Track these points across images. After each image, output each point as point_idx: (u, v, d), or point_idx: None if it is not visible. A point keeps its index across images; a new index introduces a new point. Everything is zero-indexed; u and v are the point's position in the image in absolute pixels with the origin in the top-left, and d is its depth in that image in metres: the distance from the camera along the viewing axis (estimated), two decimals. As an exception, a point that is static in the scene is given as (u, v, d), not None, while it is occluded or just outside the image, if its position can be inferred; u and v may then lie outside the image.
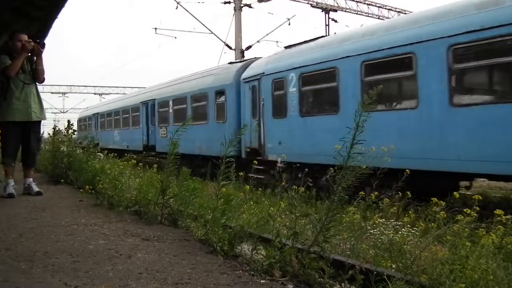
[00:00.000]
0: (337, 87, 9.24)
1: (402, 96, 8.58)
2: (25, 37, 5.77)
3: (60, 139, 8.19)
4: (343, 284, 2.48)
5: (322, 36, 11.87)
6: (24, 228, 3.80)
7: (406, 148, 7.48)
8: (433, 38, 7.33)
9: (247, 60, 14.14)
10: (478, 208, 3.83)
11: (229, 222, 3.33)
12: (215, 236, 3.19)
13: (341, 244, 3.28)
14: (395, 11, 27.36)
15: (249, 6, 21.75)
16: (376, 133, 6.91)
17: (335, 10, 25.62)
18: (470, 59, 7.14)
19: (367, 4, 27.27)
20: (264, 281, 2.55)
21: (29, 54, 5.81)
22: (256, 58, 13.67)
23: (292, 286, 2.51)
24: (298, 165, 10.17)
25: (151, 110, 19.63)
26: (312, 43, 10.88)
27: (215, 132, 13.56)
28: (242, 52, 21.14)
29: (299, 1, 24.54)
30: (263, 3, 21.72)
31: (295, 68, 10.55)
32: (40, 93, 6.27)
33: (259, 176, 10.77)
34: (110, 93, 54.65)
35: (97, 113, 30.08)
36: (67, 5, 7.19)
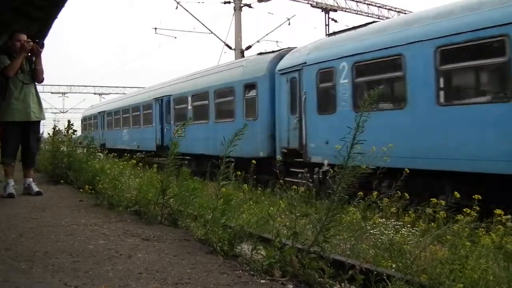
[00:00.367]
0: (403, 78, 8.00)
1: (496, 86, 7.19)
2: (24, 37, 5.76)
3: (60, 139, 8.19)
4: (343, 284, 2.48)
5: (373, 22, 10.57)
6: (24, 228, 3.80)
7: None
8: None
9: (280, 50, 12.68)
10: (478, 208, 3.84)
11: (229, 222, 3.33)
12: (215, 236, 3.19)
13: (341, 244, 3.28)
14: (395, 11, 27.37)
15: (249, 6, 21.77)
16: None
17: (335, 10, 25.65)
18: None
19: (367, 4, 27.28)
20: (264, 281, 2.55)
21: (28, 54, 5.81)
22: (290, 48, 12.30)
23: (292, 286, 2.51)
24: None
25: (166, 107, 17.99)
26: (363, 29, 9.53)
27: (244, 131, 12.45)
28: (242, 52, 21.14)
29: (299, 1, 24.57)
30: (263, 3, 21.75)
31: (347, 57, 9.18)
32: (40, 93, 6.27)
33: (298, 181, 9.75)
34: (110, 93, 54.68)
35: (103, 112, 28.18)
36: (67, 5, 7.20)
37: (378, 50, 8.49)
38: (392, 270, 2.68)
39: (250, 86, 12.60)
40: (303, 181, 9.30)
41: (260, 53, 13.27)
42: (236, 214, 3.71)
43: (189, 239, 3.52)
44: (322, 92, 9.96)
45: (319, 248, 2.65)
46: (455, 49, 7.12)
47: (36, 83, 6.04)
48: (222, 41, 22.16)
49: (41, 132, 7.04)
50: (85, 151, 7.54)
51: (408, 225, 4.10)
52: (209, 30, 22.78)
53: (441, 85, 7.52)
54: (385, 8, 27.67)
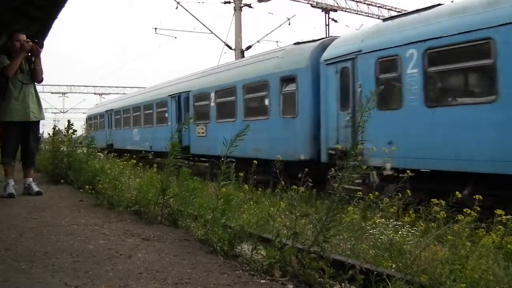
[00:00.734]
0: (493, 66, 6.80)
1: None
2: (23, 37, 5.76)
3: (60, 139, 8.18)
4: (343, 284, 2.48)
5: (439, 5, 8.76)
6: (24, 228, 3.80)
7: None
8: None
9: (322, 38, 11.31)
10: (478, 208, 3.83)
11: (229, 222, 3.33)
12: (215, 236, 3.19)
13: (341, 244, 3.28)
14: (395, 11, 27.35)
15: (249, 6, 21.78)
16: None
17: (335, 10, 25.67)
18: None
19: (367, 4, 27.30)
20: (264, 281, 2.55)
21: (28, 54, 5.81)
22: (334, 37, 11.01)
23: (292, 286, 2.51)
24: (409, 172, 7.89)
25: (185, 104, 16.35)
26: (434, 10, 8.17)
27: (280, 130, 11.05)
28: (242, 52, 21.14)
29: (299, 1, 24.59)
30: (263, 3, 21.76)
31: (417, 42, 7.93)
32: (40, 93, 6.28)
33: (350, 187, 9.00)
34: (110, 93, 54.74)
35: (111, 110, 26.10)
36: (67, 5, 7.20)
37: (457, 34, 7.24)
38: (392, 270, 2.68)
39: (288, 79, 11.14)
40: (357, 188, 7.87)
41: (298, 43, 11.80)
42: (236, 214, 3.71)
43: (189, 239, 3.52)
44: (383, 84, 8.65)
45: (319, 248, 2.65)
46: None
47: (36, 83, 6.04)
48: (222, 41, 22.19)
49: (41, 132, 7.04)
50: (84, 151, 7.54)
51: (408, 225, 4.09)
52: (209, 30, 22.81)
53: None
54: (385, 8, 27.69)
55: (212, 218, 3.36)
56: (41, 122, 6.28)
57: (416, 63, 7.86)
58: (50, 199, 5.56)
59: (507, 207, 4.52)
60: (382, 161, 7.96)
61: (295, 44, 11.91)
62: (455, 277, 2.45)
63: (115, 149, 20.40)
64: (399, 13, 10.01)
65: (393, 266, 2.78)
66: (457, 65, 7.56)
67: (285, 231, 3.00)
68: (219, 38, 22.44)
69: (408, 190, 5.03)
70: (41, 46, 5.90)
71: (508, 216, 3.80)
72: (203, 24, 23.01)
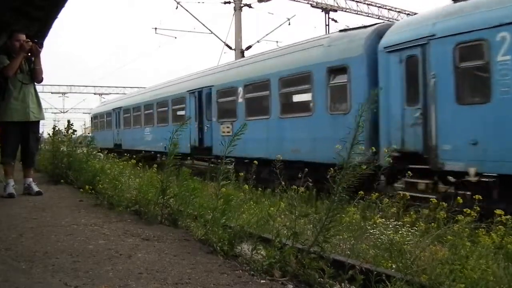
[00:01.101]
0: None
1: None
2: (23, 37, 5.76)
3: (60, 139, 8.18)
4: (343, 284, 2.48)
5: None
6: (24, 228, 3.80)
7: None
8: None
9: (375, 24, 9.87)
10: (478, 208, 3.83)
11: (229, 222, 3.33)
12: (215, 236, 3.19)
13: (341, 244, 3.29)
14: (395, 11, 27.38)
15: (249, 6, 21.77)
16: None
17: (335, 10, 25.67)
18: None
19: (367, 4, 27.30)
20: (264, 281, 2.55)
21: (28, 54, 5.80)
22: (389, 22, 9.84)
23: (292, 286, 2.51)
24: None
25: (207, 101, 14.60)
26: None
27: (327, 128, 9.52)
28: (242, 52, 21.13)
29: (299, 1, 24.59)
30: (263, 3, 21.75)
31: (510, 24, 6.68)
32: (40, 93, 6.27)
33: (419, 195, 7.52)
34: (110, 93, 54.74)
35: (119, 108, 24.07)
36: (67, 5, 7.20)
37: None
38: (392, 270, 2.68)
39: (337, 70, 9.66)
40: (432, 197, 6.70)
41: (344, 30, 10.55)
42: (236, 214, 3.71)
43: (189, 239, 3.52)
44: (465, 75, 7.48)
45: (319, 248, 2.65)
46: None
47: (36, 83, 6.04)
48: (222, 41, 22.18)
49: (40, 132, 7.04)
50: (84, 151, 7.54)
51: (408, 225, 4.10)
52: (209, 30, 22.80)
53: None
54: (385, 8, 27.71)
55: (212, 218, 3.36)
56: (41, 122, 6.27)
57: (509, 49, 6.66)
58: (50, 199, 5.55)
59: None
60: (464, 165, 7.07)
61: (340, 31, 10.67)
62: (455, 277, 2.46)
63: (124, 150, 19.81)
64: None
65: (393, 266, 2.78)
66: None
67: (285, 231, 3.00)
68: (219, 38, 22.46)
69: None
70: (41, 46, 5.90)
71: (508, 216, 3.80)
72: (203, 24, 23.02)
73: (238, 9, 21.22)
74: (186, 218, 4.02)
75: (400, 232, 3.75)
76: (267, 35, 28.88)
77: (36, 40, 5.91)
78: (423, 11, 8.99)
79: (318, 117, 9.98)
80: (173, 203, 4.17)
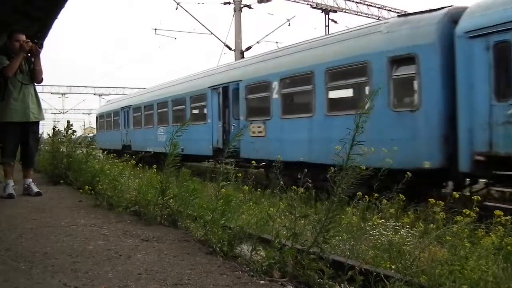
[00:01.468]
0: None
1: None
2: (23, 37, 5.76)
3: (59, 139, 8.19)
4: (342, 285, 2.48)
5: None
6: (23, 229, 3.80)
7: None
8: None
9: (443, 7, 8.32)
10: (477, 209, 3.84)
11: (228, 222, 3.33)
12: (215, 237, 3.19)
13: (340, 245, 3.28)
14: (395, 11, 27.39)
15: (249, 6, 21.77)
16: None
17: (335, 11, 25.71)
18: None
19: (367, 5, 27.33)
20: (263, 282, 2.55)
21: (27, 54, 5.81)
22: (463, 6, 8.26)
23: (291, 287, 2.51)
24: None
25: (233, 98, 13.08)
26: None
27: (389, 127, 8.19)
28: (242, 53, 21.14)
29: (299, 2, 24.63)
30: (263, 4, 21.76)
31: None
32: (40, 94, 6.27)
33: (503, 206, 6.36)
34: (110, 94, 54.83)
35: (128, 106, 22.33)
36: (67, 5, 7.20)
37: None
38: (392, 271, 2.68)
39: (402, 59, 8.34)
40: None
41: (404, 15, 9.36)
42: (236, 215, 3.71)
43: (188, 239, 3.52)
44: None
45: (319, 249, 2.65)
46: None
47: (35, 84, 6.04)
48: (222, 42, 22.18)
49: (40, 133, 7.04)
50: (84, 152, 7.54)
51: (407, 226, 4.10)
52: (209, 31, 22.80)
53: None
54: (385, 9, 27.74)
55: (212, 219, 3.36)
56: (41, 122, 6.28)
57: None
58: (50, 199, 5.55)
59: None
60: None
61: (399, 16, 9.58)
62: (454, 278, 2.46)
63: (134, 151, 18.73)
64: None
65: (393, 267, 2.79)
66: None
67: (284, 232, 3.00)
68: (219, 39, 22.46)
69: None
70: (41, 46, 5.90)
71: (508, 217, 3.81)
72: (203, 25, 23.15)
73: (238, 9, 21.24)
74: (186, 219, 4.03)
75: (400, 233, 3.75)
76: (267, 36, 29.00)
77: (36, 41, 5.91)
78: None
79: (378, 115, 7.85)
80: (173, 204, 4.17)
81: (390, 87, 8.33)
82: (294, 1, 24.53)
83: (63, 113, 58.99)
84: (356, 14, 26.97)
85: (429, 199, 4.41)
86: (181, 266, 2.78)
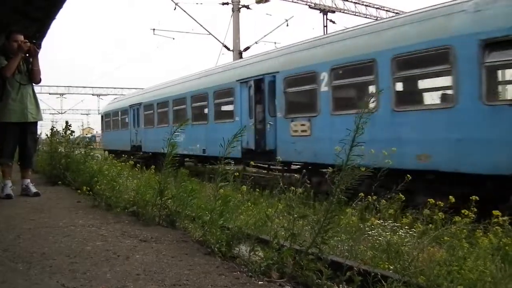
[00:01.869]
0: None
1: None
2: (21, 38, 5.76)
3: (58, 140, 8.18)
4: (341, 285, 2.48)
5: None
6: (22, 229, 3.79)
7: None
8: None
9: None
10: (476, 209, 3.84)
11: (227, 223, 3.33)
12: (213, 237, 3.19)
13: (339, 246, 3.29)
14: (393, 12, 27.42)
15: (247, 7, 21.79)
16: None
17: (333, 11, 25.75)
18: None
19: (365, 5, 27.36)
20: (262, 282, 2.55)
21: (26, 54, 5.80)
22: None
23: (290, 288, 2.52)
24: None
25: (269, 92, 11.37)
26: None
27: (483, 124, 6.77)
28: (240, 53, 21.14)
29: (297, 2, 24.65)
30: (261, 4, 21.78)
31: None
32: (38, 94, 6.27)
33: None
34: (108, 94, 54.85)
35: (139, 104, 20.42)
36: (65, 5, 7.20)
37: None
38: (390, 271, 2.68)
39: (500, 43, 6.80)
40: None
41: None
42: (234, 215, 3.71)
43: (187, 240, 3.52)
44: None
45: (317, 250, 2.65)
46: None
47: (34, 84, 6.03)
48: (220, 42, 22.17)
49: (38, 133, 7.03)
50: (82, 152, 7.53)
51: (406, 227, 4.10)
52: (207, 31, 22.78)
53: None
54: (383, 10, 27.78)
55: (210, 219, 3.36)
56: (39, 123, 6.27)
57: None
58: (48, 200, 5.55)
59: None
60: None
61: None
62: (452, 279, 2.46)
63: (145, 152, 17.90)
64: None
65: (391, 267, 2.79)
66: None
67: (283, 233, 3.00)
68: (217, 39, 22.44)
69: None
70: (39, 46, 5.90)
71: (505, 218, 3.81)
72: (201, 25, 23.20)
73: (236, 10, 21.24)
74: (184, 219, 4.03)
75: (398, 233, 3.75)
76: (265, 36, 29.00)
77: (34, 41, 5.90)
78: None
79: (466, 110, 6.98)
80: (171, 204, 4.17)
81: (481, 77, 6.83)
82: (292, 2, 24.57)
83: (61, 113, 58.99)
84: (355, 15, 27.01)
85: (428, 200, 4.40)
86: (180, 267, 2.78)
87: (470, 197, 4.07)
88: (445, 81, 7.75)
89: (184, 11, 22.07)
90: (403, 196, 4.60)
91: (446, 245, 3.15)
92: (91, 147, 8.04)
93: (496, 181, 6.25)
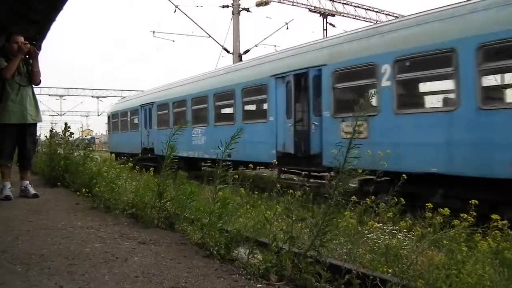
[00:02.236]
0: None
1: None
2: (21, 39, 5.77)
3: (57, 141, 8.18)
4: (339, 288, 2.48)
5: None
6: (20, 231, 3.79)
7: None
8: None
9: None
10: (474, 213, 3.84)
11: (225, 226, 3.33)
12: (212, 240, 3.19)
13: (337, 249, 3.29)
14: (393, 15, 27.48)
15: (247, 10, 21.84)
16: None
17: (333, 15, 25.81)
18: None
19: (365, 9, 27.43)
20: (260, 285, 2.55)
21: (26, 56, 5.81)
22: None
23: (288, 291, 2.51)
24: None
25: (314, 88, 9.90)
26: None
27: None
28: (240, 56, 21.18)
29: (297, 6, 24.70)
30: (261, 7, 21.83)
31: None
32: (37, 96, 6.27)
33: None
34: (108, 96, 54.87)
35: (151, 103, 18.77)
36: (65, 7, 7.20)
37: None
38: (389, 275, 2.68)
39: None
40: None
41: None
42: (233, 218, 3.71)
43: (185, 242, 3.51)
44: None
45: (316, 253, 2.65)
46: None
47: (33, 86, 6.04)
48: (220, 45, 22.21)
49: (38, 135, 7.03)
50: (81, 154, 7.53)
51: (405, 230, 4.10)
52: (207, 33, 22.82)
53: None
54: (383, 13, 27.84)
55: (209, 222, 3.35)
56: (38, 124, 6.27)
57: None
58: (47, 201, 5.54)
59: None
60: None
61: None
62: (451, 282, 2.46)
63: (156, 155, 16.03)
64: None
65: (390, 270, 2.79)
66: None
67: (281, 235, 3.00)
68: (217, 42, 22.49)
69: None
70: (39, 48, 5.90)
71: (504, 222, 3.81)
72: (201, 28, 23.08)
73: (236, 13, 21.29)
74: (183, 222, 4.02)
75: (397, 237, 3.75)
76: (265, 39, 28.88)
77: (34, 42, 5.91)
78: None
79: None
80: (170, 207, 4.16)
81: None
82: (292, 5, 24.63)
83: (61, 115, 58.94)
84: (354, 18, 27.08)
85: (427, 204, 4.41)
86: (178, 269, 2.78)
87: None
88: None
89: (184, 13, 22.15)
90: (403, 200, 4.55)
91: (445, 248, 3.15)
92: (90, 149, 8.02)
93: None
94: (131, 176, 6.99)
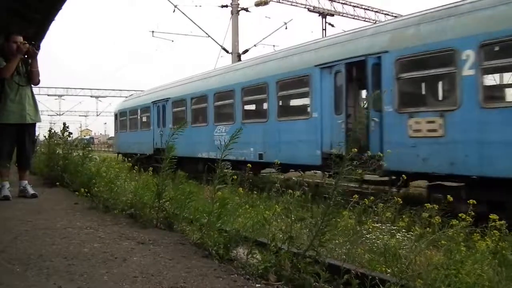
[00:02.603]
0: None
1: None
2: (20, 39, 5.76)
3: (56, 141, 8.17)
4: (338, 288, 2.48)
5: None
6: (19, 231, 3.78)
7: None
8: None
9: None
10: (473, 213, 3.84)
11: (224, 226, 3.33)
12: (211, 240, 3.19)
13: (336, 249, 3.29)
14: (392, 15, 27.50)
15: (246, 10, 21.85)
16: None
17: (332, 15, 25.83)
18: None
19: (364, 9, 27.45)
20: (259, 285, 2.55)
21: (24, 56, 5.80)
22: None
23: (287, 291, 2.51)
24: None
25: (373, 78, 8.48)
26: None
27: None
28: (239, 55, 21.17)
29: (296, 5, 24.71)
30: (260, 7, 21.84)
31: None
32: (36, 96, 6.26)
33: None
34: (107, 96, 54.86)
35: (165, 100, 17.06)
36: (64, 7, 7.21)
37: None
38: (387, 274, 2.68)
39: None
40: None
41: None
42: (232, 218, 3.71)
43: (184, 242, 3.51)
44: None
45: (315, 253, 2.65)
46: None
47: (32, 85, 6.03)
48: (219, 45, 22.21)
49: (37, 135, 7.03)
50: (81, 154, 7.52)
51: (403, 230, 4.10)
52: (206, 33, 22.81)
53: None
54: (382, 13, 27.86)
55: (208, 222, 3.35)
56: (37, 124, 6.27)
57: None
58: (46, 201, 5.54)
59: None
60: None
61: None
62: (450, 282, 2.46)
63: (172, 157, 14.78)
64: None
65: (388, 270, 2.79)
66: None
67: (280, 235, 3.00)
68: (216, 42, 22.48)
69: None
70: (38, 48, 5.89)
71: (502, 222, 3.81)
72: (200, 28, 23.06)
73: (235, 12, 21.29)
74: (182, 222, 4.02)
75: (396, 236, 3.75)
76: (264, 39, 28.98)
77: (33, 42, 5.90)
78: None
79: None
80: (169, 207, 4.16)
81: None
82: (291, 5, 24.64)
83: (60, 115, 58.90)
84: (353, 18, 27.10)
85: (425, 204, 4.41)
86: (177, 269, 2.78)
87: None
88: None
89: (183, 13, 22.14)
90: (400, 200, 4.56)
91: (444, 248, 3.15)
92: (89, 148, 8.01)
93: None
94: (130, 176, 6.97)
